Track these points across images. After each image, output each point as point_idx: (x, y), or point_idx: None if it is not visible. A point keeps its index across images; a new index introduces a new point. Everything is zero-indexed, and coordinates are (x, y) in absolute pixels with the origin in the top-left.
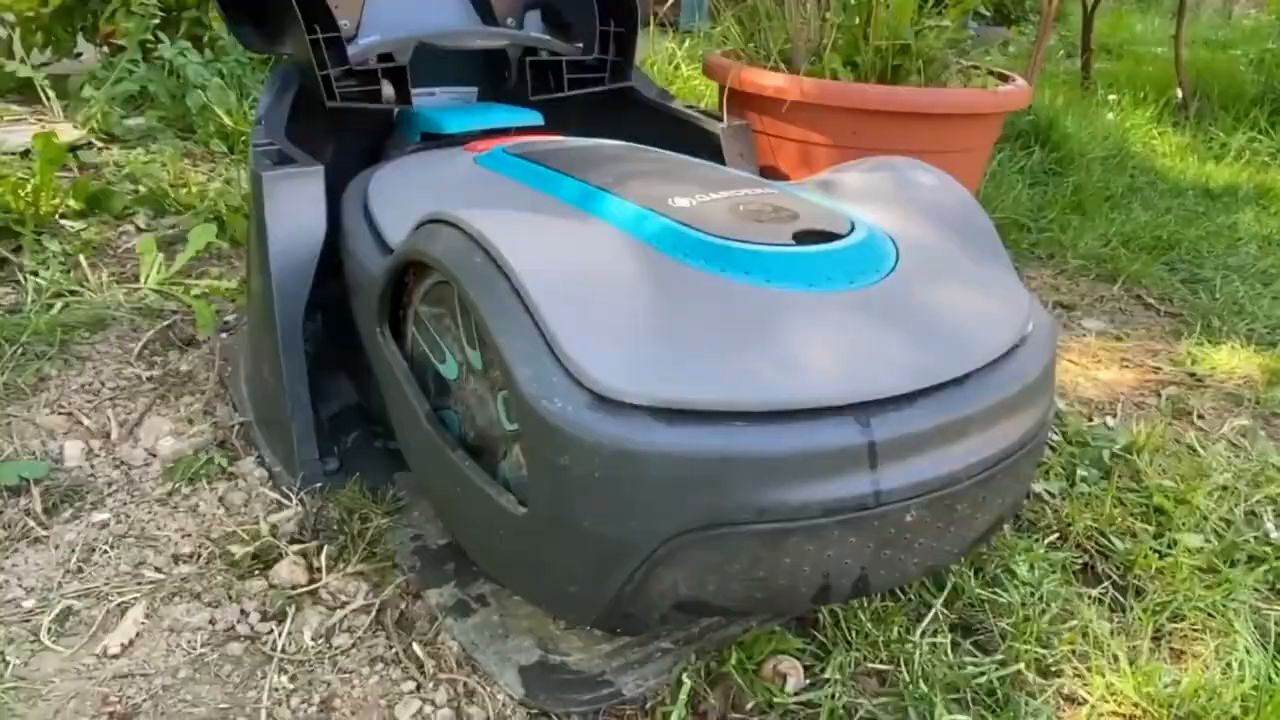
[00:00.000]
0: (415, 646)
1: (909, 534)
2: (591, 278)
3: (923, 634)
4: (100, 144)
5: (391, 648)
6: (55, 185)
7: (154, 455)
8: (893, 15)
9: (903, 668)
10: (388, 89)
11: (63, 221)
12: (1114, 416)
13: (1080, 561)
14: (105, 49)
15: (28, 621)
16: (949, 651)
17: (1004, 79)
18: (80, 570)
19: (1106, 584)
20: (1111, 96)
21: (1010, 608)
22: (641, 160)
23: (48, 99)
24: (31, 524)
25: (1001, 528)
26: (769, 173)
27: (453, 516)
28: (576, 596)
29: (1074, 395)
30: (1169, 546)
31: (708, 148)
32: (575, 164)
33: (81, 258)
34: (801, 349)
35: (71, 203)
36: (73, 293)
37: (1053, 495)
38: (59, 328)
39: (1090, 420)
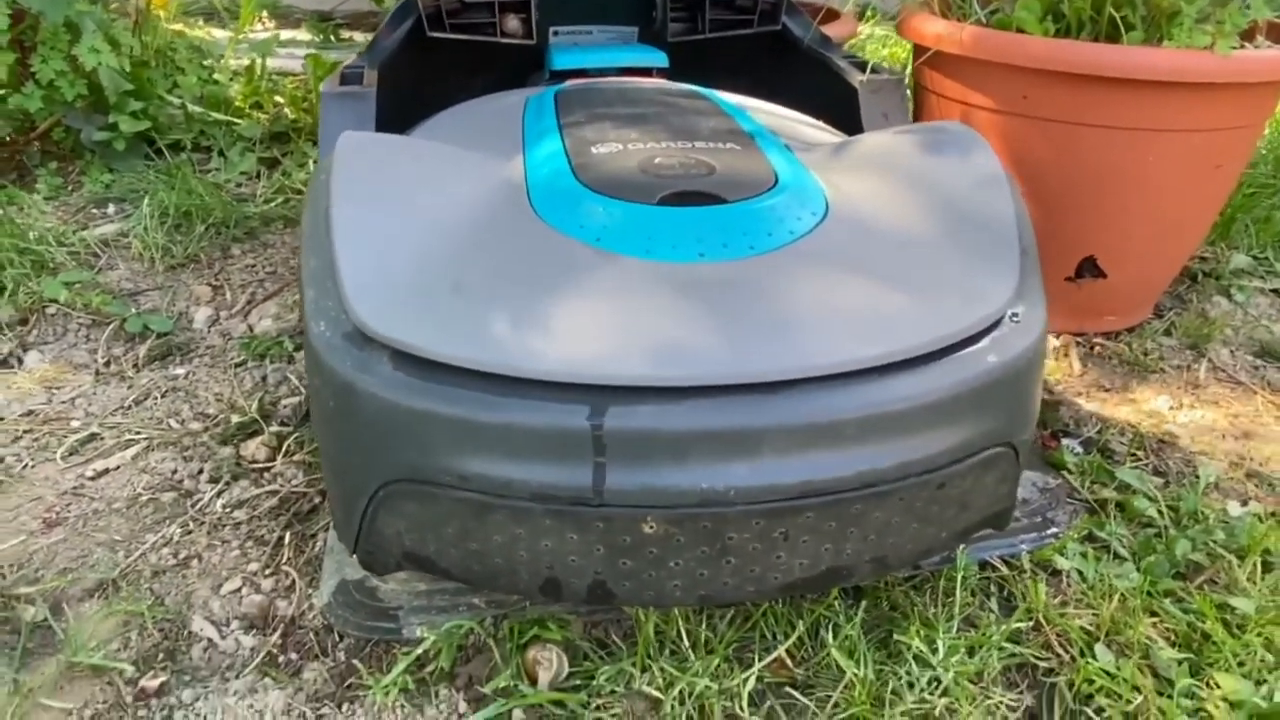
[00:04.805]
0: (288, 535)
1: (655, 549)
2: (418, 215)
3: (735, 679)
4: None
5: (274, 533)
6: None
7: (251, 331)
8: None
9: (685, 703)
10: (512, 23)
11: None
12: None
13: (1044, 665)
14: None
15: (63, 439)
16: (748, 702)
17: None
18: (129, 409)
19: (1034, 693)
20: None
21: (851, 680)
22: (656, 104)
23: None
24: (128, 367)
25: (847, 579)
26: None
27: None
28: (340, 522)
29: (1252, 467)
30: (1197, 688)
31: (852, 103)
32: (582, 102)
33: (313, 164)
34: (570, 317)
35: None
36: (298, 192)
37: (1081, 577)
38: (263, 218)
39: (1244, 504)
